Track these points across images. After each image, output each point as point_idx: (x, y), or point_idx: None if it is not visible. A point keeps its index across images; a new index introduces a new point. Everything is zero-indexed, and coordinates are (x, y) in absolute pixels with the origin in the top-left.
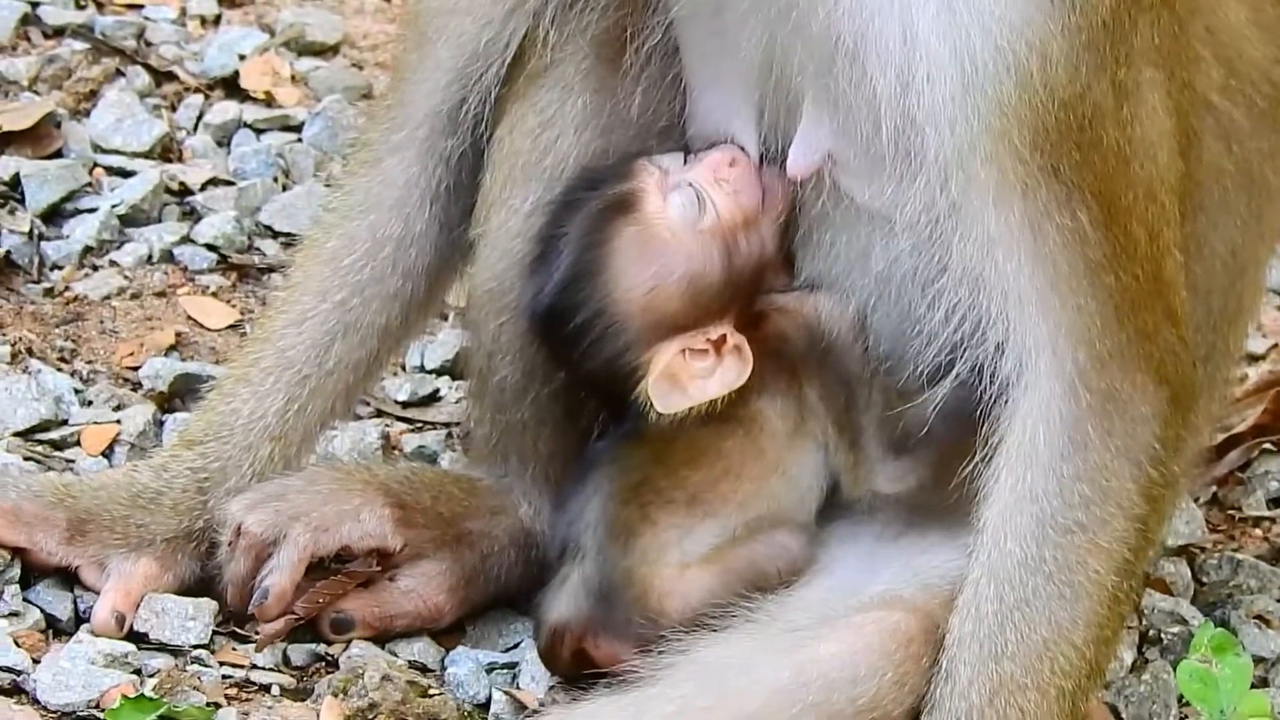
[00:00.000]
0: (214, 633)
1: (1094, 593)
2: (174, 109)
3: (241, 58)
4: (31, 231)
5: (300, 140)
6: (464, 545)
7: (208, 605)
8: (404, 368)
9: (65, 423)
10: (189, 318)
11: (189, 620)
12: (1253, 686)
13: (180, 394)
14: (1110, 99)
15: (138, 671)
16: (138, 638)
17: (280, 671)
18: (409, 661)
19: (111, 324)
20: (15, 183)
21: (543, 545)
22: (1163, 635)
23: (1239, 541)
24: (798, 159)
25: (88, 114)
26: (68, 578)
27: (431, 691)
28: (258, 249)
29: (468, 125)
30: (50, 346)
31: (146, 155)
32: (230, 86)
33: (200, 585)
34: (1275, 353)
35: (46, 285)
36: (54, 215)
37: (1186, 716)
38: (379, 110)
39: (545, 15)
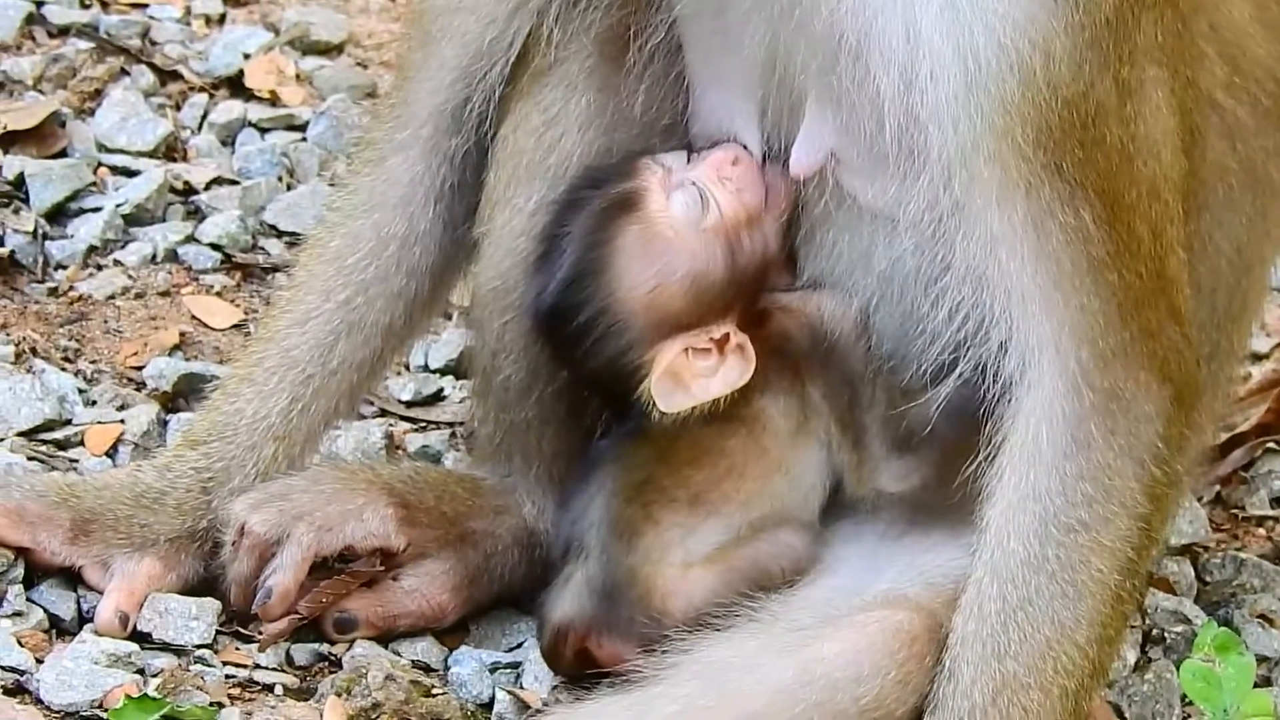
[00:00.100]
0: (217, 632)
1: (1097, 592)
2: (179, 108)
3: (246, 57)
4: (36, 231)
5: (305, 139)
6: (467, 545)
7: (211, 605)
8: (408, 367)
9: (69, 422)
10: (193, 317)
11: (192, 620)
12: (1256, 686)
13: (184, 394)
14: (1114, 97)
15: (141, 671)
16: (141, 637)
17: (284, 671)
18: (412, 661)
19: (115, 323)
20: (20, 182)
21: (546, 544)
22: (1166, 634)
23: (1242, 541)
24: (801, 158)
25: (92, 113)
26: (71, 577)
27: (435, 691)
28: (262, 248)
29: (472, 124)
30: (54, 346)
31: (151, 154)
32: (235, 86)
33: (204, 585)
34: (1279, 351)
35: (51, 285)
36: (58, 215)
37: (1189, 716)
38: (383, 109)
39: (549, 14)
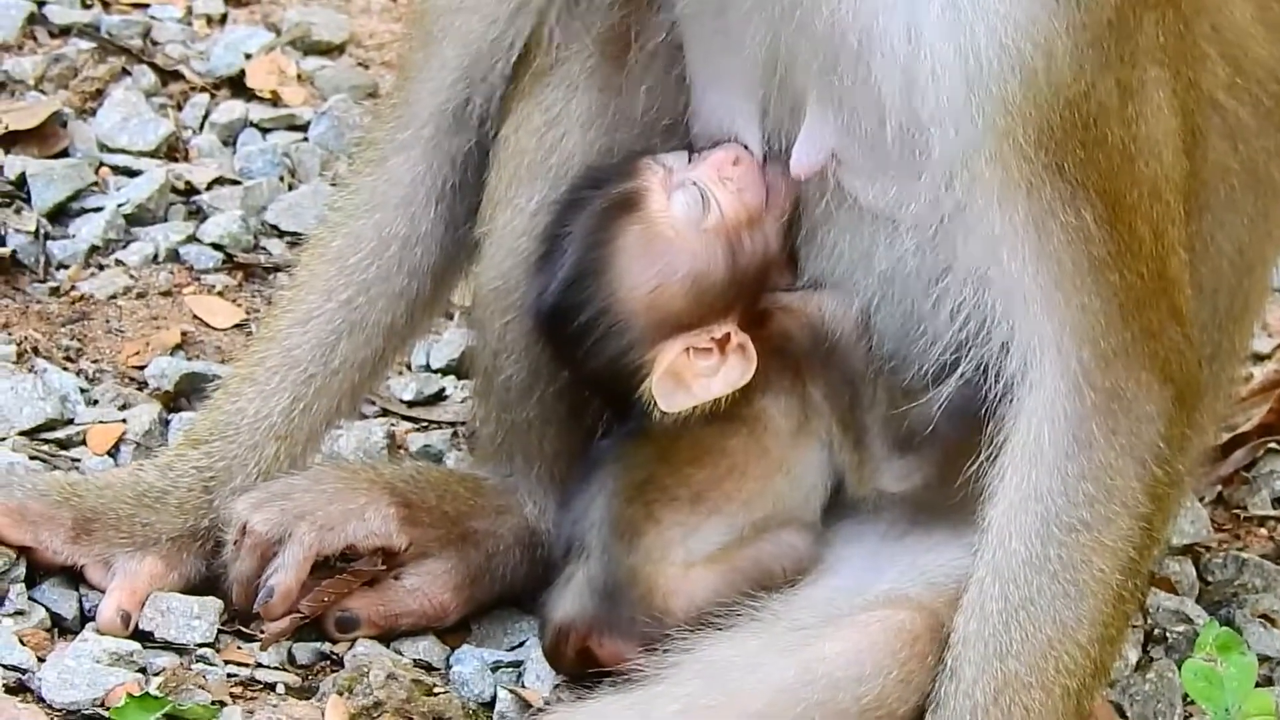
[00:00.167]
0: (219, 631)
1: (1099, 591)
2: (180, 108)
3: (247, 57)
4: (38, 231)
5: (306, 139)
6: (469, 544)
7: (213, 604)
8: (409, 367)
9: (71, 422)
10: (195, 317)
11: (194, 619)
12: (1257, 685)
13: (186, 393)
14: (1115, 97)
15: (143, 670)
16: (143, 636)
17: (285, 670)
18: (414, 660)
19: (117, 323)
20: (21, 182)
21: (548, 544)
22: (1168, 634)
23: (1244, 541)
24: (801, 158)
25: (94, 113)
26: (73, 576)
27: (436, 690)
28: (263, 248)
29: (473, 124)
30: (56, 346)
31: (152, 154)
32: (236, 86)
33: (205, 584)
34: None
35: (52, 284)
36: (60, 214)
37: (1191, 715)
38: (385, 109)
39: (550, 14)
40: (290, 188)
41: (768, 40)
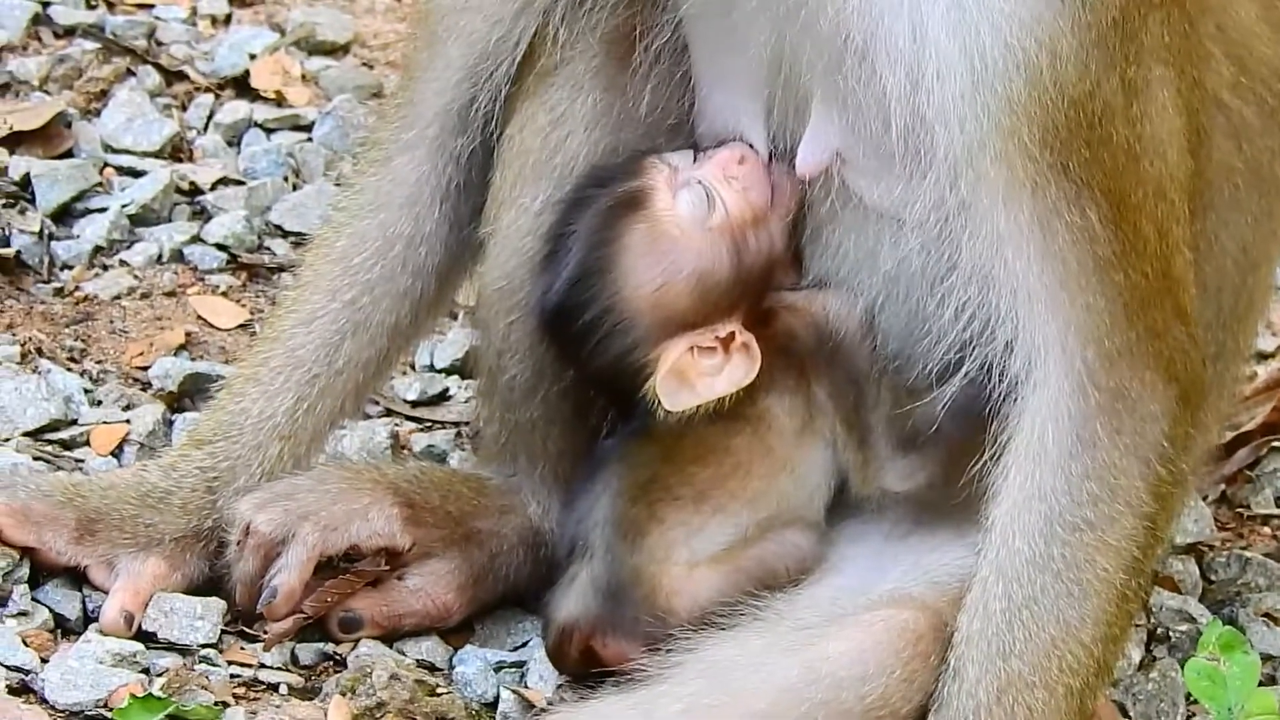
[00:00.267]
0: (222, 632)
1: (1102, 591)
2: (184, 108)
3: (252, 57)
4: (42, 231)
5: (310, 140)
6: (473, 544)
7: (216, 604)
8: (413, 367)
9: (74, 422)
10: (199, 317)
11: (197, 619)
12: (1260, 684)
13: (190, 393)
14: (1120, 96)
15: (146, 671)
16: (146, 637)
17: (288, 670)
18: (417, 660)
19: (121, 324)
20: (26, 182)
21: (551, 544)
22: (1171, 633)
23: (1247, 540)
24: (807, 157)
25: (98, 114)
26: (76, 577)
27: (440, 690)
28: (268, 248)
29: (478, 123)
30: (60, 346)
31: (157, 155)
32: (241, 86)
33: (209, 584)
34: None
35: (56, 285)
36: (64, 215)
37: (1194, 714)
38: (389, 109)
39: (555, 13)
40: (295, 188)
41: (773, 40)
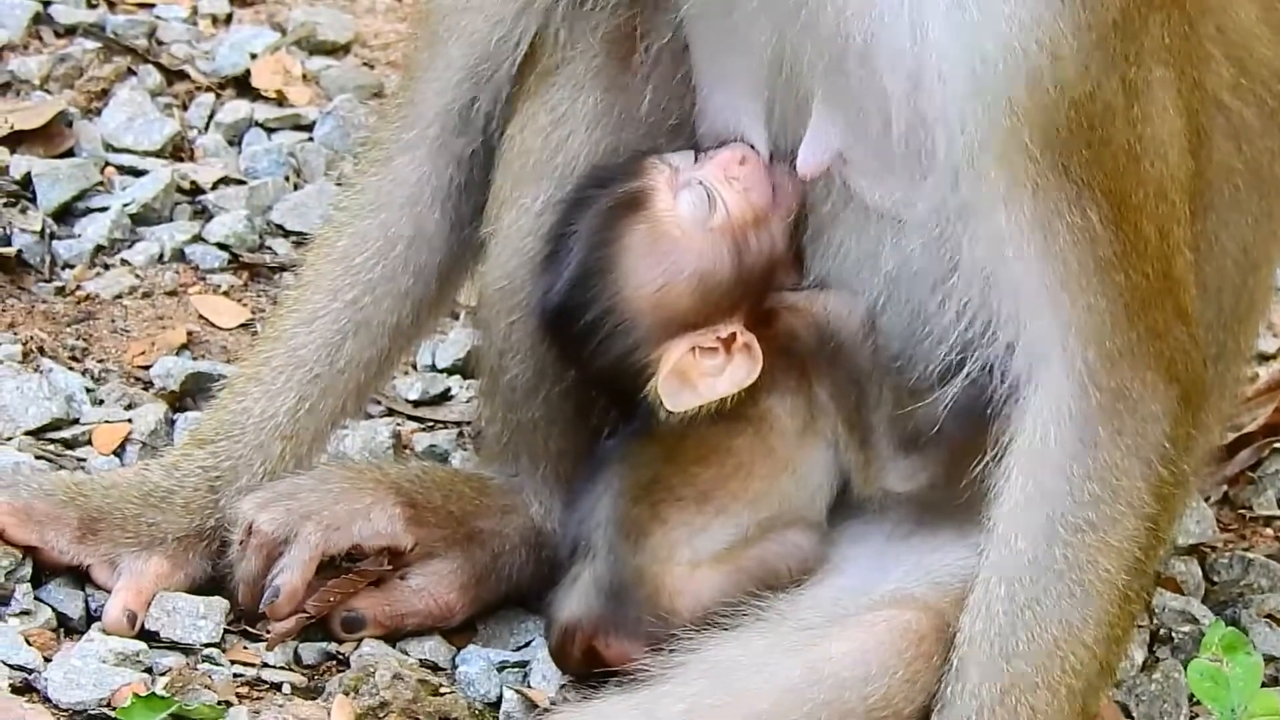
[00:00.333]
0: (225, 631)
1: (1104, 591)
2: (185, 108)
3: (253, 57)
4: (43, 230)
5: (311, 139)
6: (475, 544)
7: (219, 604)
8: (415, 366)
9: (76, 421)
10: (200, 316)
11: (200, 619)
12: (1263, 685)
13: (191, 393)
14: (1121, 97)
15: (149, 670)
16: (149, 636)
17: (291, 670)
18: (420, 660)
19: (123, 323)
20: (27, 182)
21: (554, 544)
22: (1173, 634)
23: (1250, 540)
24: (808, 158)
25: (99, 113)
26: (79, 576)
27: (442, 690)
28: (269, 248)
29: (479, 123)
30: (62, 345)
31: (158, 154)
32: (241, 85)
33: (211, 584)
34: None
35: (58, 284)
36: (65, 214)
37: (1197, 715)
38: (390, 109)
39: (556, 13)
40: (295, 187)
41: (773, 40)
